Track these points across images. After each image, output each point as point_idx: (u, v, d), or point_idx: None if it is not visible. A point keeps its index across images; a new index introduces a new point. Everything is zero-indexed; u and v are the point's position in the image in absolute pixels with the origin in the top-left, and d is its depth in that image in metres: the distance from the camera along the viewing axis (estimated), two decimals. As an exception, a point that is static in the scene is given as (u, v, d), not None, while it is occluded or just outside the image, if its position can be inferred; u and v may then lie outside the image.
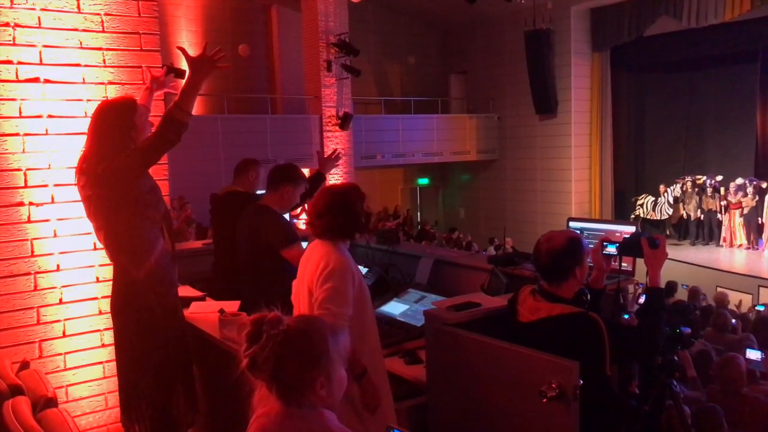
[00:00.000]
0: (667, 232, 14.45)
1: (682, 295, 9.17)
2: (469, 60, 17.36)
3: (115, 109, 2.93)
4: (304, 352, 1.59)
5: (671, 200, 14.27)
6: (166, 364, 2.95)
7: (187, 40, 14.21)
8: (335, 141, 13.28)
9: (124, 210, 2.84)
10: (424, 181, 18.72)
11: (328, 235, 2.64)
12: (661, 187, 14.48)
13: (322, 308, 2.49)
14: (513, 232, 14.77)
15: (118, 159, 2.80)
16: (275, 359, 1.55)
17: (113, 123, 2.87)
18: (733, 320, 7.25)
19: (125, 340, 2.96)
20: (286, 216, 3.82)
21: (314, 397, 1.59)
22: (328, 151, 13.66)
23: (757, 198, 12.94)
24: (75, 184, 3.24)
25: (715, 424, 3.50)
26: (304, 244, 4.31)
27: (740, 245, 13.33)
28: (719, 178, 13.64)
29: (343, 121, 13.08)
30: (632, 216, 14.79)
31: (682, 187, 14.17)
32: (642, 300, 2.86)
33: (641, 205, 14.80)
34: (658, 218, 14.48)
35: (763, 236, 13.02)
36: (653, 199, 14.65)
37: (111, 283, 3.15)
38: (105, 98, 3.34)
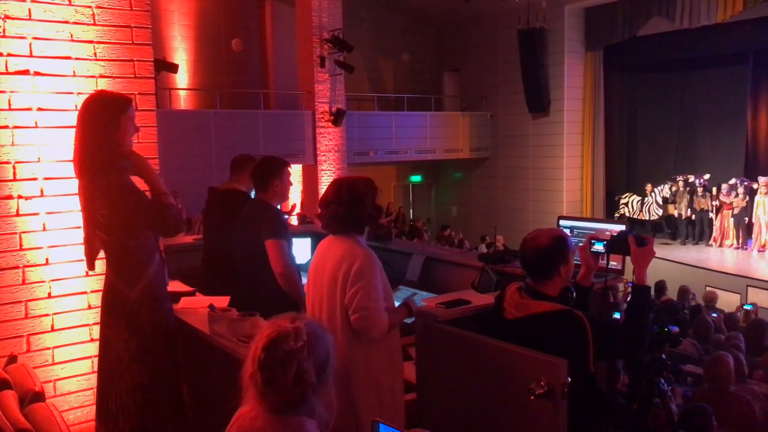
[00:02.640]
0: (654, 234, 14.50)
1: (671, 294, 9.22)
2: (462, 58, 17.38)
3: (102, 102, 2.79)
4: (320, 363, 1.56)
5: (660, 201, 14.33)
6: (153, 382, 2.87)
7: (180, 35, 14.16)
8: (328, 137, 13.27)
9: (119, 230, 2.76)
10: (416, 178, 18.74)
11: (334, 225, 2.58)
12: (648, 187, 14.52)
13: (359, 311, 2.45)
14: (504, 230, 14.79)
15: (117, 189, 2.71)
16: (296, 375, 1.52)
17: (96, 117, 2.74)
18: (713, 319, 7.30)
19: (112, 354, 2.87)
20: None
21: (305, 405, 1.57)
22: (320, 146, 13.40)
23: (747, 198, 13.03)
24: (65, 178, 3.23)
25: (705, 424, 3.52)
26: (299, 241, 4.35)
27: (728, 245, 13.42)
28: (707, 176, 13.72)
29: (336, 118, 13.07)
30: (616, 215, 14.84)
31: (671, 188, 14.24)
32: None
33: (626, 204, 14.85)
34: (646, 218, 14.53)
35: (752, 236, 13.11)
36: (639, 198, 14.70)
37: (100, 277, 3.12)
38: (95, 91, 3.31)
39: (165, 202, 2.78)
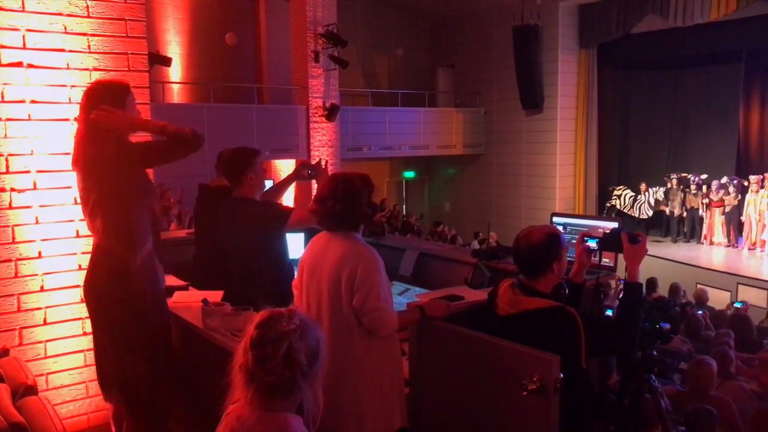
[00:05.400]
0: (647, 231, 14.55)
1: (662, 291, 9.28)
2: (456, 54, 17.37)
3: (107, 89, 2.82)
4: (311, 349, 1.59)
5: (652, 201, 14.38)
6: (152, 353, 2.89)
7: (174, 28, 14.09)
8: (322, 132, 13.25)
9: (127, 198, 2.78)
10: (410, 174, 18.74)
11: (329, 222, 2.54)
12: (642, 186, 14.59)
13: (371, 312, 2.43)
14: (497, 227, 14.85)
15: (124, 146, 2.74)
16: (286, 353, 1.54)
17: (104, 102, 2.74)
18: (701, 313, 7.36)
19: (118, 328, 2.86)
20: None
21: (294, 391, 1.58)
22: (314, 141, 13.30)
23: (739, 197, 13.10)
24: (58, 171, 3.21)
25: (708, 426, 3.55)
26: (292, 236, 4.33)
27: (719, 243, 13.50)
28: (704, 176, 13.79)
29: (330, 113, 13.04)
30: (607, 205, 14.88)
31: (665, 187, 14.29)
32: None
33: (618, 197, 14.90)
34: (636, 216, 14.59)
35: (742, 234, 13.19)
36: (632, 194, 14.75)
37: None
38: (93, 81, 3.29)
39: (171, 131, 2.80)
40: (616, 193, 14.97)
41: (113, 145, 2.73)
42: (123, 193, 2.77)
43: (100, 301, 2.89)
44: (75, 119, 2.91)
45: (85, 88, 2.92)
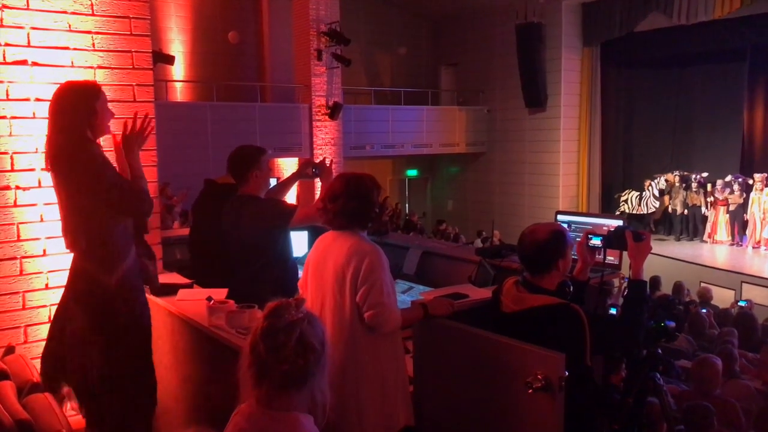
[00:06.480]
0: (651, 228, 14.55)
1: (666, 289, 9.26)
2: (459, 52, 17.35)
3: (75, 92, 2.76)
4: (320, 338, 1.60)
5: (656, 193, 14.39)
6: (124, 372, 2.81)
7: (177, 26, 14.10)
8: (324, 131, 13.26)
9: (99, 213, 2.72)
10: (412, 172, 18.73)
11: (340, 220, 2.55)
12: (646, 183, 14.61)
13: (373, 307, 2.44)
14: (501, 225, 14.82)
15: (94, 164, 2.69)
16: (298, 340, 1.55)
17: (73, 107, 2.72)
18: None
19: (89, 346, 2.78)
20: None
21: (307, 381, 1.58)
22: (316, 140, 13.32)
23: (744, 195, 13.08)
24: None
25: (706, 423, 3.54)
26: (296, 234, 4.33)
27: (722, 241, 13.48)
28: (705, 174, 13.78)
29: (333, 111, 13.05)
30: (617, 213, 14.89)
31: (667, 181, 14.30)
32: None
33: (625, 201, 14.89)
34: (645, 212, 14.59)
35: (746, 232, 13.17)
36: (638, 193, 14.76)
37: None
38: (64, 82, 3.26)
39: (141, 187, 2.83)
40: (622, 199, 14.97)
41: (85, 159, 2.68)
42: (93, 207, 2.70)
43: (80, 318, 2.80)
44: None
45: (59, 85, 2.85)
